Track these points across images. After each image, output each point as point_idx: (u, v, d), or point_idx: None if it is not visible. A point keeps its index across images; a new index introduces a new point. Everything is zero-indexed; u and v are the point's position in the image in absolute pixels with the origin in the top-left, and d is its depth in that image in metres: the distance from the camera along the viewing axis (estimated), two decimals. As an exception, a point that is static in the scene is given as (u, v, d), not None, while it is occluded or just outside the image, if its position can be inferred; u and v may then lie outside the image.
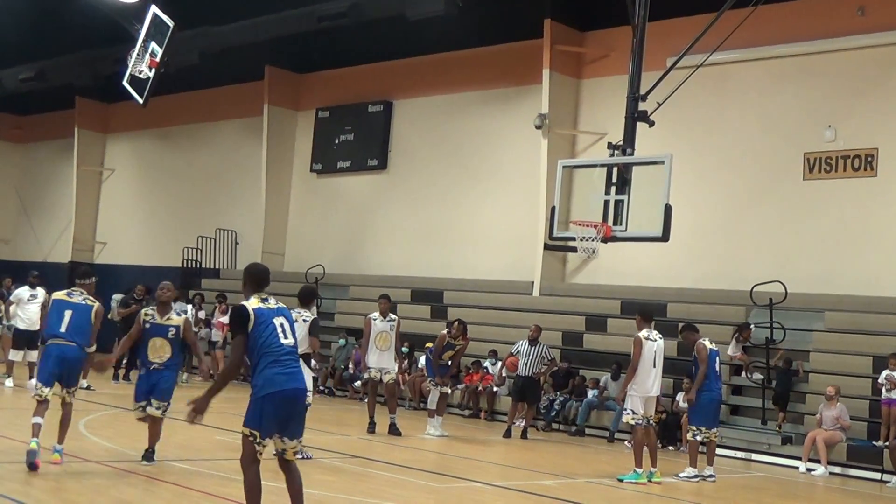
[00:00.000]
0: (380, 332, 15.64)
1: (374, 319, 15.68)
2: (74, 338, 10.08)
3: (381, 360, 15.67)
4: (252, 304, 7.22)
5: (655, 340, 12.87)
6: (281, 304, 7.45)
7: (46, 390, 9.95)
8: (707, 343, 13.34)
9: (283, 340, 7.16)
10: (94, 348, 10.50)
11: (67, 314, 10.16)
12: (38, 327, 18.34)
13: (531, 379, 17.21)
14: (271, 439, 7.07)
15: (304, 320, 12.46)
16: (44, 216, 34.92)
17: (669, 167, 13.65)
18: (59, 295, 10.51)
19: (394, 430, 15.45)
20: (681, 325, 18.45)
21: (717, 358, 13.62)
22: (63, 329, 10.08)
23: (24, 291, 18.56)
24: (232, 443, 13.30)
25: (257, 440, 6.98)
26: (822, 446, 15.42)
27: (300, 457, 11.92)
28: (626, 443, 16.67)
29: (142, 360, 10.66)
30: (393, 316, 15.88)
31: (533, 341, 17.17)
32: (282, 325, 7.23)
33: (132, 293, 22.18)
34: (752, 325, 17.95)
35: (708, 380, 13.31)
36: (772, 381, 17.27)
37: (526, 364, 17.08)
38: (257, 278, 7.44)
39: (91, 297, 10.49)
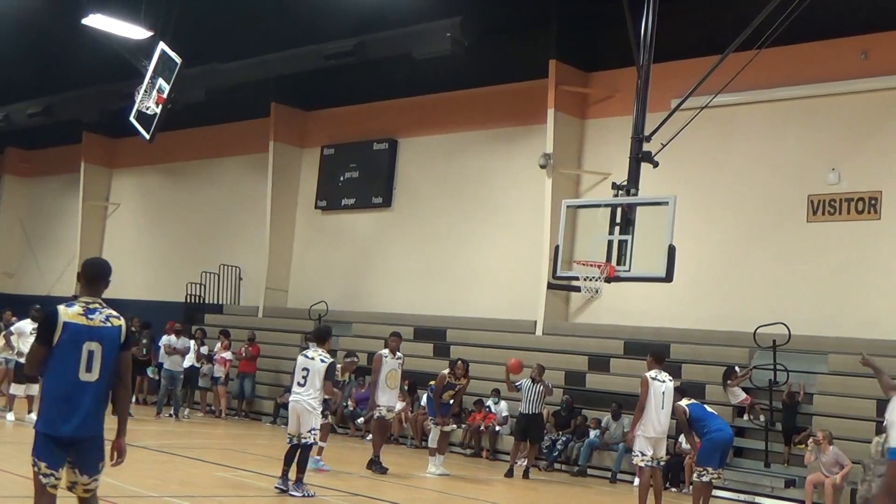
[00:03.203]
0: (390, 370, 15.67)
1: (385, 357, 15.67)
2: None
3: (391, 399, 15.72)
4: (70, 313, 6.23)
5: (664, 382, 12.82)
6: (109, 322, 6.33)
7: None
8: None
9: (81, 375, 6.16)
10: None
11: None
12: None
13: (534, 417, 17.18)
14: (63, 470, 6.25)
15: (322, 360, 12.43)
16: (48, 250, 35.00)
17: (673, 208, 13.66)
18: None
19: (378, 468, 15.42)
20: (684, 365, 18.60)
21: (705, 406, 13.57)
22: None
23: (25, 325, 18.58)
24: (233, 479, 13.27)
25: (41, 471, 6.17)
26: (830, 491, 15.24)
27: (301, 494, 11.90)
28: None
29: None
30: (399, 353, 15.88)
31: (535, 380, 17.15)
32: (90, 353, 6.18)
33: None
34: (737, 369, 17.88)
35: (705, 421, 13.24)
36: (775, 423, 17.21)
37: (528, 402, 17.07)
38: (88, 274, 6.43)
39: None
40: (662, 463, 13.16)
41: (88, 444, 6.30)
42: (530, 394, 17.06)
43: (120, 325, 6.37)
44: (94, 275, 6.47)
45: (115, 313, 6.40)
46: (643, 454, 12.65)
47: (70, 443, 6.22)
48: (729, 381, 17.60)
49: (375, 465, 15.33)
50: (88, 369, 6.17)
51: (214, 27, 24.01)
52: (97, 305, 6.36)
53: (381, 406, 15.60)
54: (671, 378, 13.11)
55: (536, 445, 17.77)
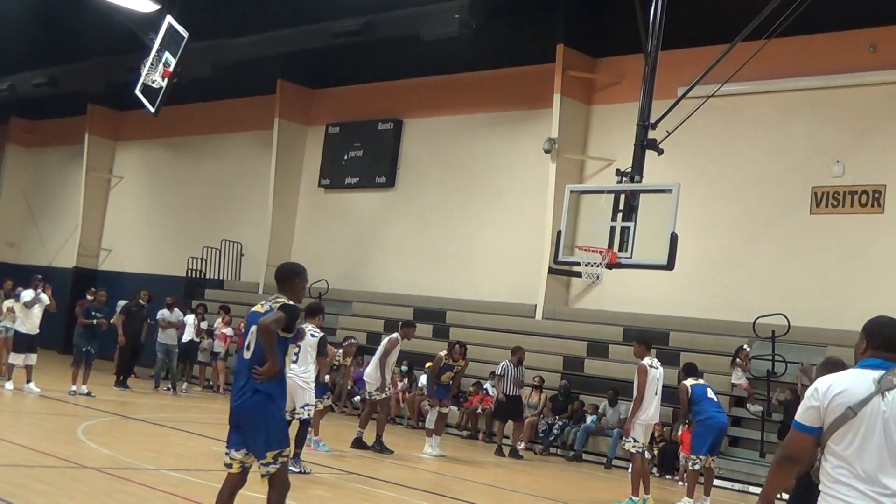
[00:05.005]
0: (397, 355, 15.96)
1: (399, 342, 15.76)
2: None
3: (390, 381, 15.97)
4: (257, 305, 7.09)
5: (657, 368, 12.85)
6: (270, 306, 6.90)
7: None
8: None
9: (244, 353, 6.92)
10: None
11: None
12: (38, 331, 18.42)
13: (514, 398, 17.71)
14: (238, 452, 6.90)
15: (313, 335, 12.49)
16: (51, 221, 35.00)
17: (677, 196, 13.64)
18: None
19: (360, 445, 15.52)
20: (682, 353, 18.61)
21: (708, 389, 13.55)
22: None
23: (26, 294, 18.60)
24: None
25: (226, 450, 6.98)
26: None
27: (297, 470, 11.95)
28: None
29: None
30: None
31: (517, 363, 17.43)
32: (250, 334, 6.93)
33: (136, 300, 22.40)
34: (746, 347, 17.94)
35: (701, 405, 13.23)
36: (771, 414, 17.23)
37: (508, 385, 17.55)
38: (275, 276, 7.20)
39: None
40: (645, 448, 13.13)
41: (250, 424, 6.79)
42: (509, 376, 17.48)
43: (271, 308, 6.83)
44: (278, 276, 7.18)
45: (280, 302, 6.89)
46: (636, 441, 12.68)
47: (237, 420, 6.83)
48: (738, 360, 17.66)
49: (380, 445, 15.38)
50: (248, 348, 6.90)
51: (222, 2, 23.96)
52: (274, 297, 7.00)
53: (388, 387, 15.82)
54: (661, 364, 13.11)
55: (521, 423, 18.08)
